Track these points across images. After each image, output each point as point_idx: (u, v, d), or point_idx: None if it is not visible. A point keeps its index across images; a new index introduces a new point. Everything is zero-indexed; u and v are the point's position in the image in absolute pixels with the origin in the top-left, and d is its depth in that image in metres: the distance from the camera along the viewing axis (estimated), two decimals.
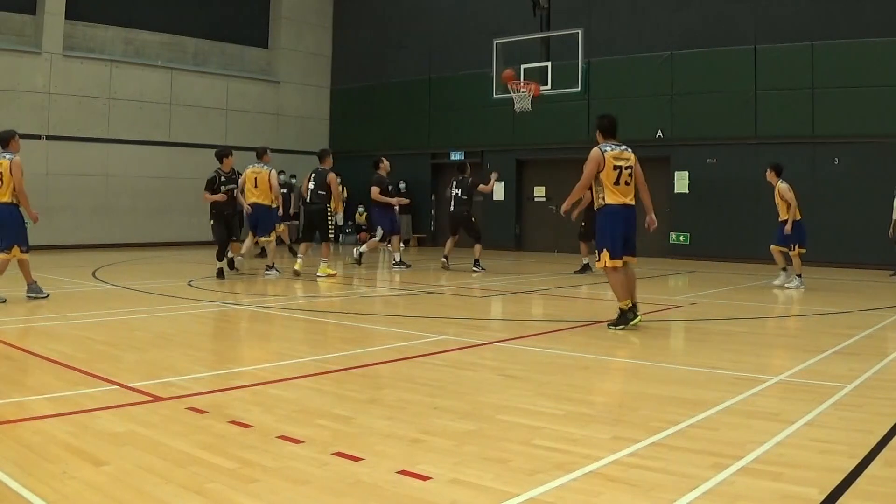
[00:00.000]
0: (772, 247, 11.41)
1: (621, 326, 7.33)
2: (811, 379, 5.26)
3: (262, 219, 12.18)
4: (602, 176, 7.29)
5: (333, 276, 12.30)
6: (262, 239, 12.29)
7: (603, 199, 7.36)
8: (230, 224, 11.94)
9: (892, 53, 14.66)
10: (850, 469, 3.34)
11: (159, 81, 20.04)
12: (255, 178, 12.17)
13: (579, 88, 17.09)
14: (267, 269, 12.27)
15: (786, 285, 11.22)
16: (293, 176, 21.92)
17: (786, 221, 11.04)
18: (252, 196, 12.12)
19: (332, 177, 12.45)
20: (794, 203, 11.01)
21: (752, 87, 16.16)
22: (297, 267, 12.36)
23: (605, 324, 7.49)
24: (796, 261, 11.23)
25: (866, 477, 3.27)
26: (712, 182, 16.76)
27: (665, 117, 17.31)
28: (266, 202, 12.19)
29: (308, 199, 12.59)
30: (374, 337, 7.23)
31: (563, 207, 8.27)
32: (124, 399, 4.53)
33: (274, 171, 12.42)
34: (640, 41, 17.58)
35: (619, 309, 7.41)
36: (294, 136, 22.88)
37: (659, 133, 17.38)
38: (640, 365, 5.83)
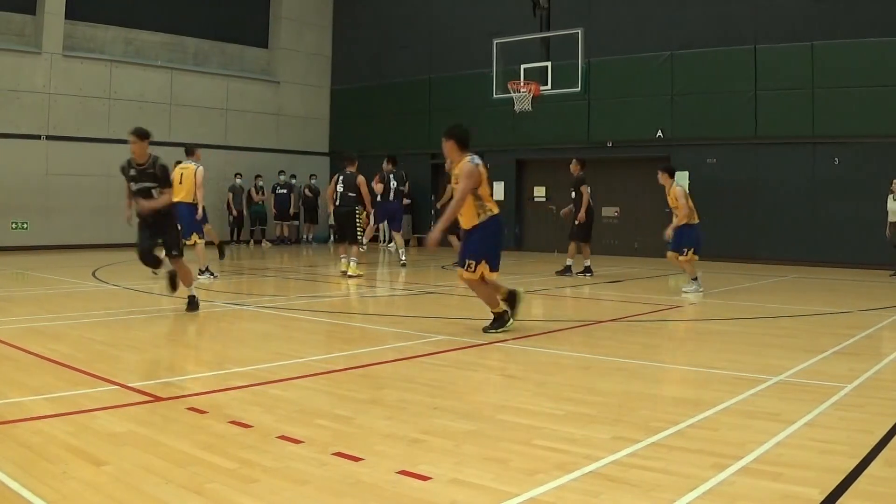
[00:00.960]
0: (668, 253, 10.78)
1: (502, 329, 7.03)
2: (811, 379, 5.26)
3: (183, 220, 11.09)
4: (481, 191, 6.91)
5: (360, 276, 12.24)
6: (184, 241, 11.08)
7: (490, 210, 6.98)
8: (156, 227, 8.52)
9: (892, 53, 14.65)
10: (850, 469, 3.34)
11: (159, 81, 20.04)
12: (181, 175, 11.38)
13: (579, 88, 17.11)
14: (200, 273, 11.41)
15: (682, 289, 10.53)
16: (293, 176, 21.95)
17: (685, 225, 10.43)
18: (177, 194, 10.99)
19: (361, 179, 12.50)
20: (686, 207, 10.44)
21: (752, 87, 16.15)
22: (342, 268, 12.43)
23: (482, 329, 7.05)
24: (689, 266, 10.55)
25: (866, 477, 3.27)
26: (712, 182, 16.74)
27: (665, 117, 17.30)
28: (189, 200, 11.45)
29: (337, 203, 12.52)
30: (374, 337, 7.23)
31: (433, 239, 7.32)
32: (124, 399, 4.53)
33: (202, 169, 11.69)
34: (640, 41, 17.56)
35: (495, 314, 7.11)
36: (294, 136, 22.89)
37: (659, 133, 17.38)
38: (640, 365, 5.83)
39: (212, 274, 11.83)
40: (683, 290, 10.47)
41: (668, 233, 10.61)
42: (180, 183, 11.40)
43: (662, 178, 10.84)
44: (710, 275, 13.80)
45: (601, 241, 18.25)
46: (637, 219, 18.24)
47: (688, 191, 11.08)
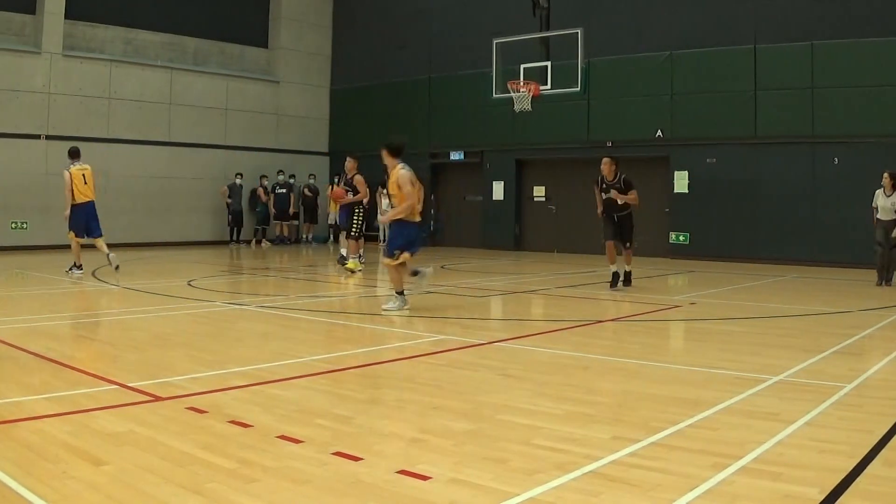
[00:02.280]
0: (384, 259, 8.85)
1: None
2: (811, 379, 5.26)
3: (94, 217, 12.23)
4: None
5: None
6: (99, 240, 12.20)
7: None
8: None
9: (892, 53, 14.65)
10: (850, 469, 3.35)
11: (159, 81, 20.03)
12: (84, 175, 12.05)
13: (579, 88, 17.09)
14: (77, 269, 12.20)
15: (383, 306, 8.68)
16: (292, 176, 21.95)
17: (403, 223, 8.54)
18: (85, 195, 12.07)
19: (360, 178, 13.32)
20: (412, 197, 8.46)
21: (752, 87, 16.16)
22: (358, 268, 13.15)
23: None
24: (394, 272, 8.65)
25: (866, 477, 3.28)
26: (712, 182, 16.76)
27: (665, 117, 17.30)
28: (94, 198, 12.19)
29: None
30: (374, 337, 7.23)
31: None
32: (124, 399, 4.53)
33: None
34: (640, 41, 17.57)
35: None
36: (294, 136, 22.89)
37: (659, 133, 17.38)
38: (640, 365, 5.83)
39: (79, 268, 12.30)
40: (384, 306, 8.62)
41: (383, 219, 9.17)
42: (85, 183, 12.06)
43: (387, 157, 8.64)
44: (710, 274, 13.82)
45: (601, 240, 18.24)
46: (637, 219, 18.20)
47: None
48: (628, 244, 11.19)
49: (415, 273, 8.91)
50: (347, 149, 21.87)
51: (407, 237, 8.57)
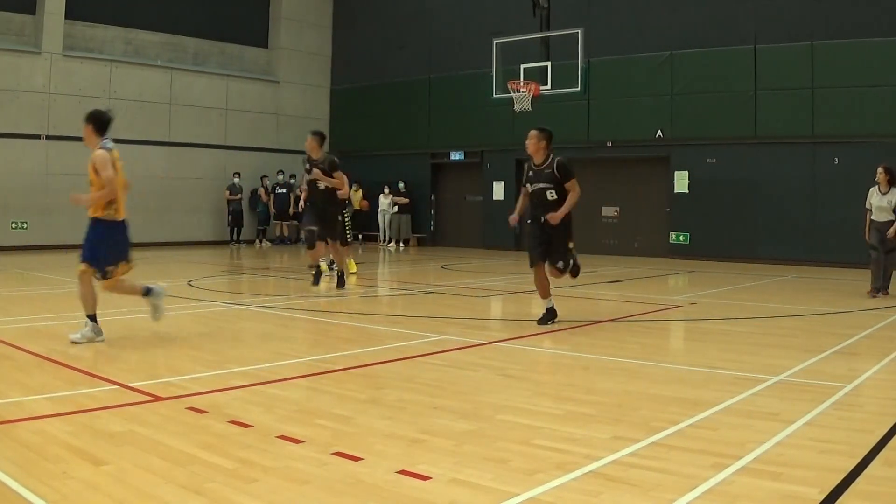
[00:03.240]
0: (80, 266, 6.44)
1: None
2: (811, 379, 5.26)
3: None
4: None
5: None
6: None
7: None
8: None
9: (892, 53, 14.65)
10: (850, 469, 3.35)
11: (159, 81, 20.03)
12: None
13: (579, 88, 17.10)
14: None
15: (71, 337, 6.34)
16: (293, 176, 21.94)
17: (101, 223, 6.38)
18: None
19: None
20: (112, 185, 6.25)
21: (752, 87, 16.15)
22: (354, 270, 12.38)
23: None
24: (87, 289, 6.44)
25: (866, 477, 3.28)
26: (712, 182, 16.75)
27: (665, 117, 17.30)
28: None
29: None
30: (374, 337, 7.23)
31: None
32: (124, 399, 4.53)
33: None
34: (640, 41, 17.57)
35: None
36: (294, 136, 22.84)
37: (659, 133, 17.37)
38: (640, 365, 5.83)
39: None
40: (70, 336, 6.34)
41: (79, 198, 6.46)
42: None
43: (91, 134, 6.54)
44: (710, 274, 13.82)
45: (601, 240, 18.28)
46: (637, 219, 18.25)
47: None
48: (560, 263, 7.58)
49: (147, 292, 6.78)
50: (348, 149, 21.95)
51: (116, 243, 6.49)
